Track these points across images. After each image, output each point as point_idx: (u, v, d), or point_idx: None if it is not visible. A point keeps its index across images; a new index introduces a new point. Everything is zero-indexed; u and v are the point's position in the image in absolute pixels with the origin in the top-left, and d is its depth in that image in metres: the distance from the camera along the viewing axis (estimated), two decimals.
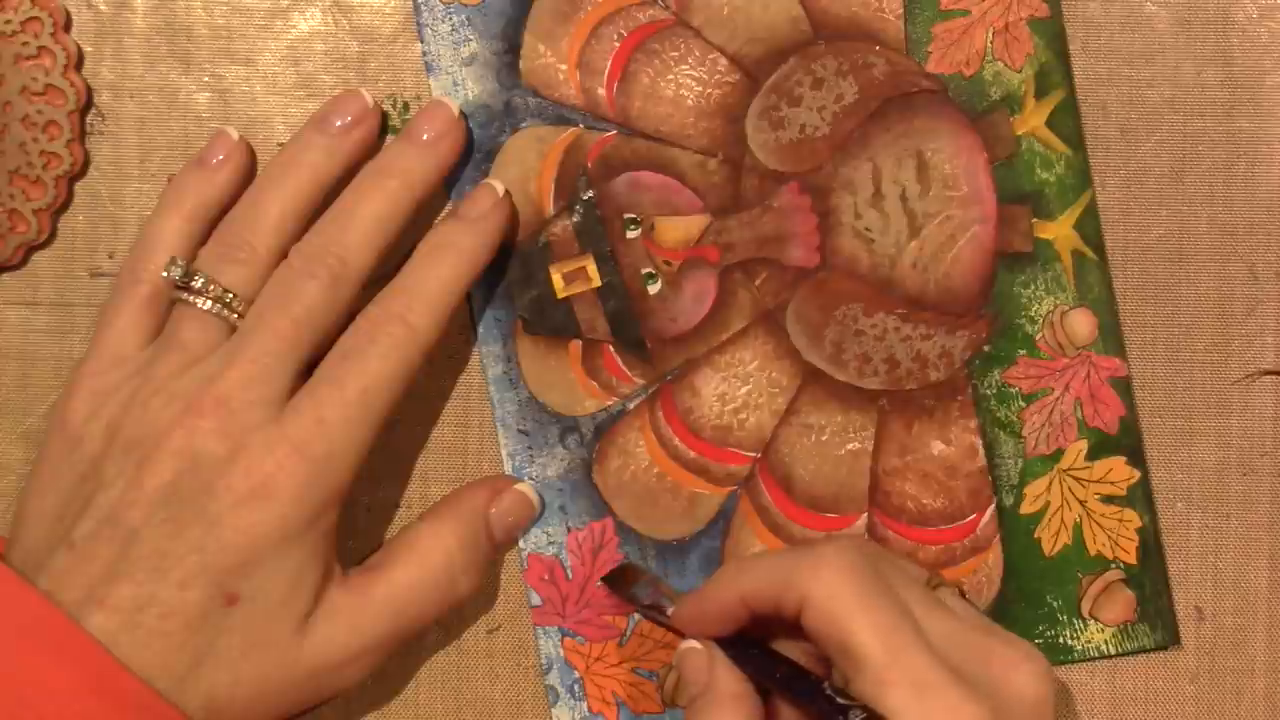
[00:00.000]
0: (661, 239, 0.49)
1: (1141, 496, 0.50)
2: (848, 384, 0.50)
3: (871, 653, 0.40)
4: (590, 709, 0.49)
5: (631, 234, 0.49)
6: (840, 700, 0.40)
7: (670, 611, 0.46)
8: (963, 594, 0.48)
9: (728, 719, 0.43)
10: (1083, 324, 0.50)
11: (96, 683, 0.41)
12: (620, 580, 0.49)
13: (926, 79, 0.49)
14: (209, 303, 0.45)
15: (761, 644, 0.44)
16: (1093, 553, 0.50)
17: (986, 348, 0.50)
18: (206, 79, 0.49)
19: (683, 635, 0.46)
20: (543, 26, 0.49)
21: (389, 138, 0.49)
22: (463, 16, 0.49)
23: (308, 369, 0.45)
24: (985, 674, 0.41)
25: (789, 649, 0.44)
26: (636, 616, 0.49)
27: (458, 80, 0.49)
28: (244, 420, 0.43)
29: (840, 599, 0.40)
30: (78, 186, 0.49)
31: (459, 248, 0.47)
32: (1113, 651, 0.50)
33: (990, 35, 0.49)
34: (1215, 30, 0.50)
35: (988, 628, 0.43)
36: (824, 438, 0.50)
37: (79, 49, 0.49)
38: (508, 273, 0.49)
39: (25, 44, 0.48)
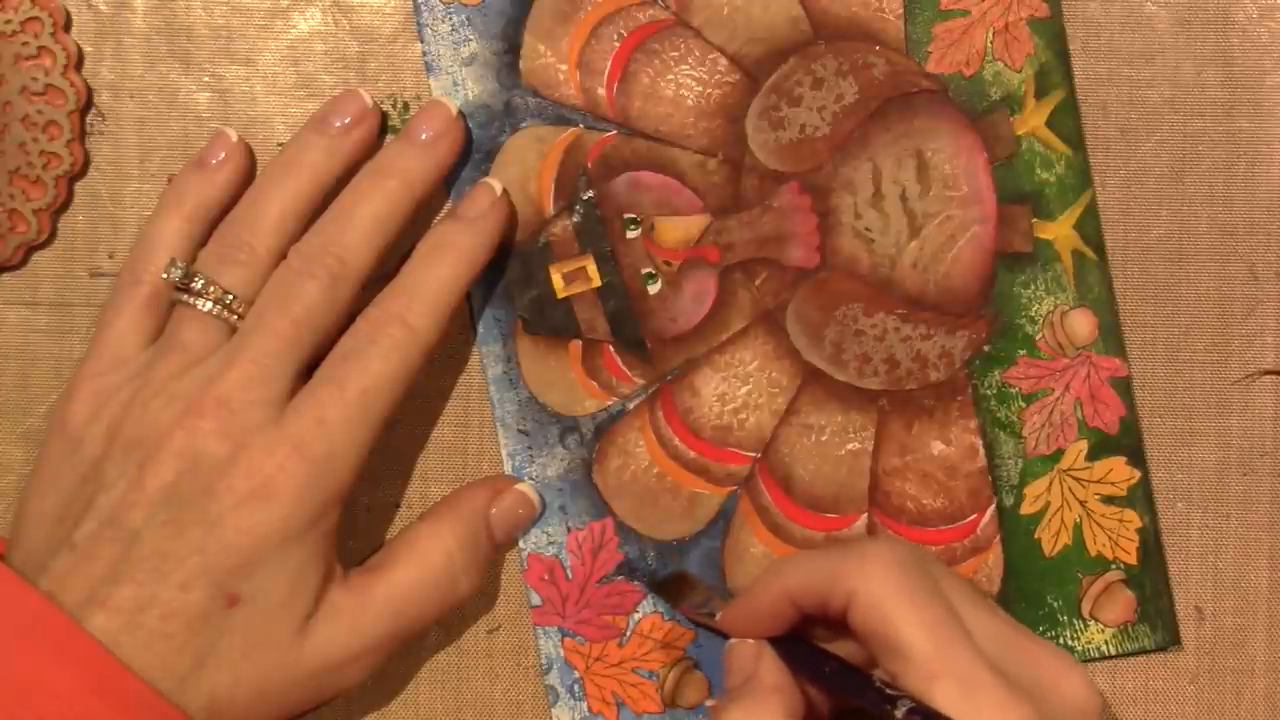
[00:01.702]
0: (661, 239, 0.49)
1: (1142, 497, 0.50)
2: (848, 384, 0.50)
3: (919, 648, 0.39)
4: (590, 709, 0.49)
5: (631, 234, 0.49)
6: (890, 691, 0.40)
7: (719, 616, 0.46)
8: None
9: (767, 708, 0.43)
10: (1083, 324, 0.50)
11: (98, 683, 0.41)
12: (672, 590, 0.49)
13: (926, 79, 0.49)
14: (209, 304, 0.45)
15: (808, 642, 0.44)
16: (1093, 553, 0.50)
17: (986, 348, 0.50)
18: (206, 79, 0.49)
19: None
20: (543, 26, 0.49)
21: (389, 138, 0.49)
22: (463, 16, 0.49)
23: (308, 370, 0.45)
24: (1032, 677, 0.40)
25: (833, 649, 0.44)
26: (636, 617, 0.49)
27: (458, 80, 0.49)
28: (244, 421, 0.43)
29: (888, 595, 0.40)
30: (78, 186, 0.49)
31: (458, 247, 0.47)
32: (1113, 652, 0.50)
33: (990, 35, 0.49)
34: (1215, 30, 0.50)
35: (1031, 634, 0.42)
36: (824, 438, 0.50)
37: (79, 49, 0.49)
38: (507, 273, 0.49)
39: (25, 44, 0.48)
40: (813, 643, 0.44)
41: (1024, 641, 0.41)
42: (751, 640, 0.44)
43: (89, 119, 0.49)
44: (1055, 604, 0.50)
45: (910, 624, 0.40)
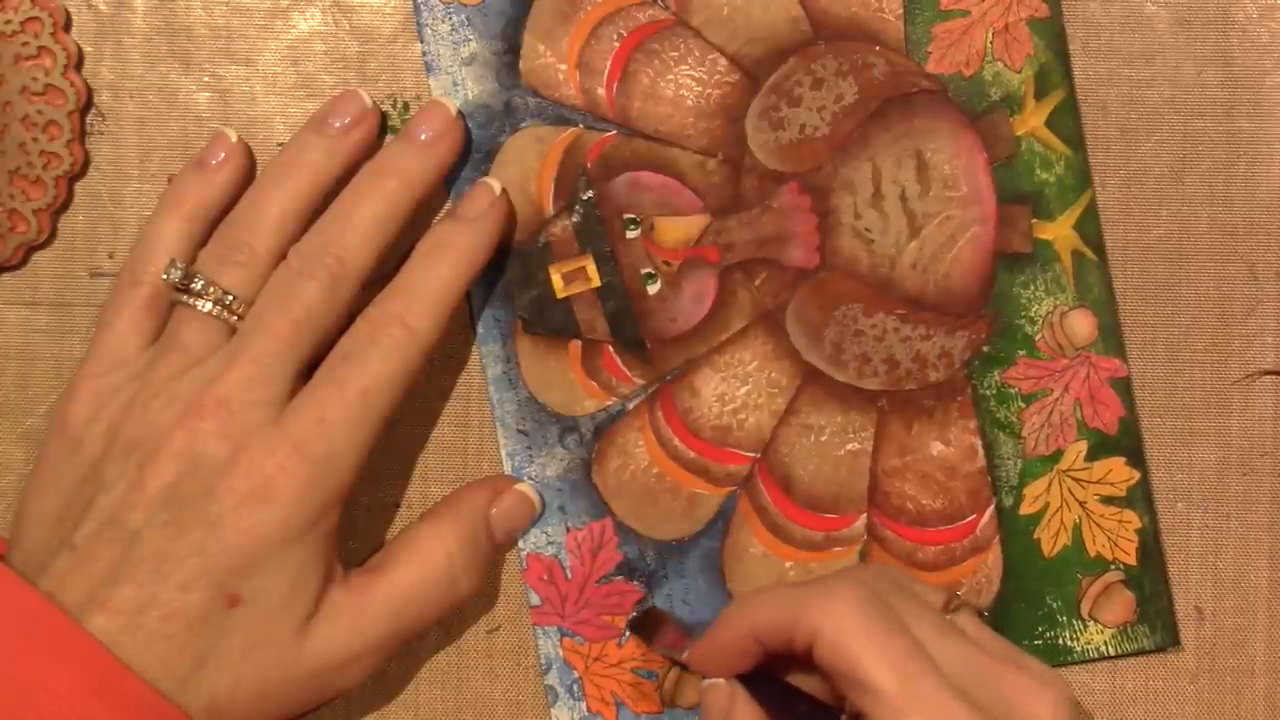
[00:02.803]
0: (661, 239, 0.49)
1: (1141, 497, 0.50)
2: (847, 384, 0.50)
3: (885, 684, 0.39)
4: (589, 709, 0.49)
5: (631, 234, 0.49)
6: None
7: (685, 654, 0.46)
8: (981, 615, 0.47)
9: None
10: (1082, 324, 0.50)
11: (99, 684, 0.41)
12: (645, 626, 0.49)
13: (926, 79, 0.49)
14: (209, 305, 0.45)
15: (781, 681, 0.44)
16: (1092, 554, 0.50)
17: (986, 348, 0.50)
18: (206, 79, 0.49)
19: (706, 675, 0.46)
20: (543, 26, 0.49)
21: (389, 138, 0.49)
22: (463, 16, 0.49)
23: (308, 370, 0.45)
24: (1001, 702, 0.40)
25: (803, 684, 0.44)
26: (635, 616, 0.49)
27: (458, 80, 0.49)
28: (244, 421, 0.43)
29: (850, 631, 0.40)
30: (78, 186, 0.49)
31: (457, 247, 0.47)
32: (1112, 652, 0.50)
33: (990, 35, 0.49)
34: (1215, 30, 0.50)
35: (1005, 654, 0.42)
36: (823, 438, 0.50)
37: (79, 49, 0.49)
38: (507, 273, 0.49)
39: (25, 44, 0.48)
40: (785, 681, 0.44)
41: (993, 665, 0.41)
42: (724, 682, 0.44)
43: (89, 119, 0.49)
44: (1054, 604, 0.50)
45: (875, 661, 0.39)
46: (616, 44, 0.49)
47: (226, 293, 0.45)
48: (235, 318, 0.45)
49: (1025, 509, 0.50)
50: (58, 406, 0.46)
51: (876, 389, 0.50)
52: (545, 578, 0.49)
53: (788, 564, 0.50)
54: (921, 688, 0.39)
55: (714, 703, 0.44)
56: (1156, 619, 0.50)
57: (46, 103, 0.48)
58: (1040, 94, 0.49)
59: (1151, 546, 0.50)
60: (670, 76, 0.49)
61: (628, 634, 0.49)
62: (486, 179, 0.48)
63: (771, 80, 0.49)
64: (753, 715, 0.43)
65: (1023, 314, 0.49)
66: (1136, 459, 0.50)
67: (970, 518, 0.50)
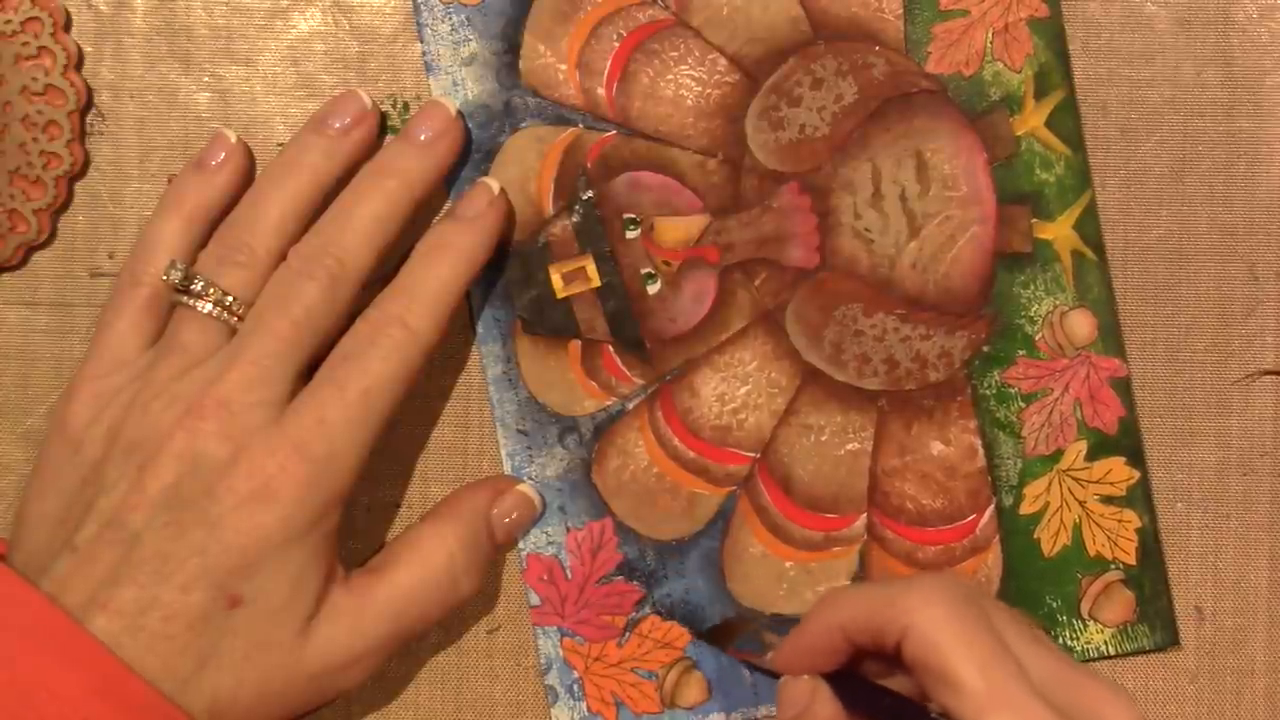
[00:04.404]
0: (661, 239, 0.49)
1: (1141, 497, 0.50)
2: (847, 384, 0.50)
3: (972, 682, 0.39)
4: (589, 709, 0.50)
5: (631, 234, 0.49)
6: None
7: (770, 656, 0.45)
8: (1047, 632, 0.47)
9: None
10: (1082, 324, 0.50)
11: (102, 685, 0.41)
12: (723, 635, 0.48)
13: (926, 79, 0.49)
14: (209, 306, 0.45)
15: (863, 678, 0.44)
16: (1092, 553, 0.50)
17: (986, 348, 0.50)
18: (206, 79, 0.49)
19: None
20: (542, 26, 0.49)
21: (389, 138, 0.49)
22: (462, 16, 0.49)
23: (309, 371, 0.45)
24: (1080, 709, 0.40)
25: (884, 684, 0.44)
26: (635, 616, 0.50)
27: (457, 80, 0.49)
28: (245, 422, 0.43)
29: (943, 629, 0.40)
30: (78, 186, 0.49)
31: (456, 247, 0.47)
32: (1112, 652, 0.50)
33: (990, 35, 0.49)
34: (1215, 30, 0.50)
35: (1080, 667, 0.42)
36: (823, 438, 0.50)
37: (79, 49, 0.49)
38: (507, 272, 0.49)
39: (25, 44, 0.48)
40: (867, 679, 0.44)
41: (1074, 674, 0.41)
42: (805, 676, 0.44)
43: (89, 119, 0.49)
44: (1054, 604, 0.50)
45: (965, 659, 0.39)
46: (616, 44, 0.49)
47: (226, 294, 0.45)
48: (235, 319, 0.45)
49: (1025, 509, 0.50)
50: (58, 407, 0.46)
51: (876, 389, 0.50)
52: (545, 578, 0.50)
53: (787, 564, 0.50)
54: (1007, 688, 0.39)
55: (792, 695, 0.44)
56: (1156, 619, 0.50)
57: (46, 103, 0.48)
58: (1040, 94, 0.49)
59: (1151, 546, 0.50)
60: (670, 76, 0.49)
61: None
62: (485, 179, 0.48)
63: (771, 80, 0.49)
64: (832, 708, 0.43)
65: (1023, 314, 0.50)
66: (1136, 459, 0.50)
67: (970, 517, 0.50)
